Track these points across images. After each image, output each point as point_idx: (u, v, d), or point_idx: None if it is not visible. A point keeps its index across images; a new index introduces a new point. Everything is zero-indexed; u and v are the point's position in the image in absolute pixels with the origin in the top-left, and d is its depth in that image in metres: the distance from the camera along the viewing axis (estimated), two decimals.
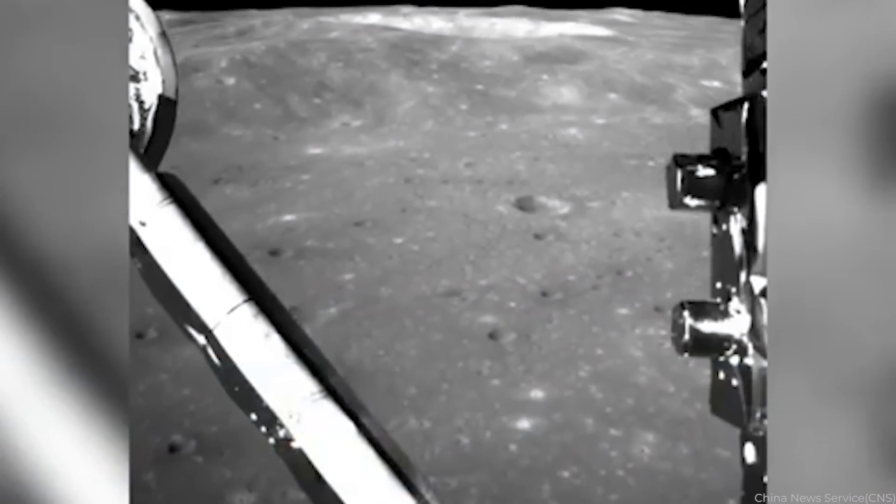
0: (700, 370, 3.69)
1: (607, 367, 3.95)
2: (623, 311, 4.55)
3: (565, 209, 6.05)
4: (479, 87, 9.84)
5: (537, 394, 3.70)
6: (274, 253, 5.30)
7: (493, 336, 4.20)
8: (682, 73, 10.55)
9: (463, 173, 6.87)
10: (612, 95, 9.67)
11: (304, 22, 13.99)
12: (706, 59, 11.26)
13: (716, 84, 10.28)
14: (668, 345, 4.06)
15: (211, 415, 3.58)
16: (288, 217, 5.87)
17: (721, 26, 14.82)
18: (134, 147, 1.16)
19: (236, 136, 8.29)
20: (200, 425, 3.58)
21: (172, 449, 3.45)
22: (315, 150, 7.73)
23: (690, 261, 5.13)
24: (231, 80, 9.76)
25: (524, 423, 3.52)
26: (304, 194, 6.38)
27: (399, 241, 5.46)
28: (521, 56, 10.94)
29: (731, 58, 10.86)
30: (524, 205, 6.15)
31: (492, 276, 4.91)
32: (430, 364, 3.92)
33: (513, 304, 4.59)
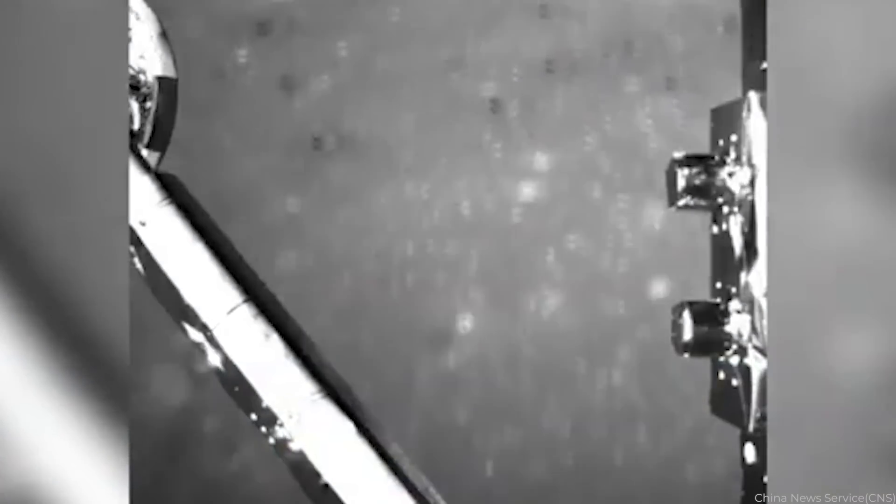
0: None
1: (615, 137, 3.77)
2: (632, 84, 4.34)
3: None
4: None
5: (541, 161, 3.54)
6: (263, 26, 5.04)
7: (494, 105, 4.01)
8: None
9: None
10: None
11: None
12: None
13: None
14: (679, 119, 3.87)
15: None
16: None
17: None
18: (134, 147, 1.19)
19: None
20: None
21: None
22: None
23: (703, 37, 4.88)
24: None
25: (527, 190, 3.37)
26: None
27: (396, 15, 5.20)
28: None
29: None
30: None
31: (494, 49, 4.68)
32: (428, 133, 3.74)
33: (516, 79, 4.38)
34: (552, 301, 3.05)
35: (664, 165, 3.86)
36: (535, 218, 3.28)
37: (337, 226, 3.15)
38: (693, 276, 3.26)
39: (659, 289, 3.10)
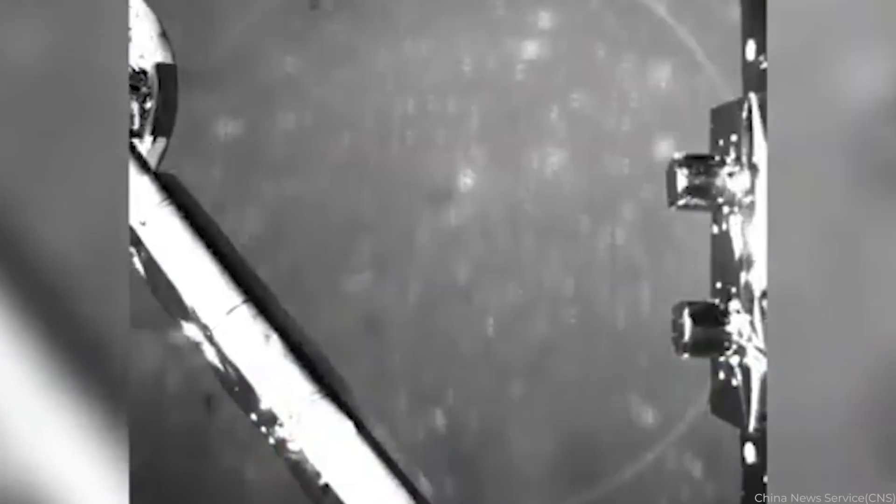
0: (718, 6, 3.39)
1: None
2: None
3: None
4: None
5: (544, 18, 3.45)
6: None
7: None
8: None
9: None
10: None
11: None
12: None
13: None
14: None
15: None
16: None
17: None
18: (133, 147, 1.15)
19: None
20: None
21: None
22: None
23: None
24: None
25: (530, 47, 3.29)
26: None
27: None
28: None
29: None
30: None
31: None
32: None
33: None
34: (555, 159, 3.01)
35: (670, 28, 3.77)
36: (538, 75, 3.20)
37: (336, 85, 3.08)
38: (697, 135, 3.20)
39: (663, 148, 3.04)
